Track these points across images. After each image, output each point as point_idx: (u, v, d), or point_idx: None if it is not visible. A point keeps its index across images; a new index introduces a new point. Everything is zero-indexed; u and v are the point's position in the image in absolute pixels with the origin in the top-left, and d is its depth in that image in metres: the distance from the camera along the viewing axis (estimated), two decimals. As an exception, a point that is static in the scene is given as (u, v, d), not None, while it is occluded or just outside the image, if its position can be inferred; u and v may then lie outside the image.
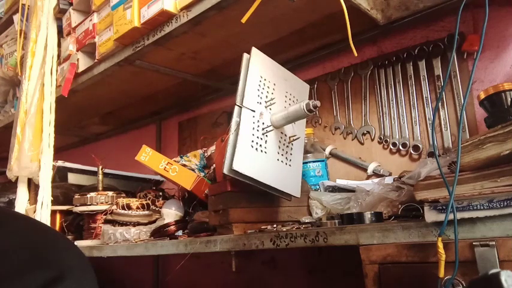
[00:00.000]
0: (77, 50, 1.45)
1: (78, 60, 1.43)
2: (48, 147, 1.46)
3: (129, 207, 1.23)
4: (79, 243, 1.30)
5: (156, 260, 1.84)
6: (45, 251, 0.47)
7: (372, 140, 1.22)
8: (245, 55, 0.93)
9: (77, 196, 1.35)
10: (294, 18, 1.14)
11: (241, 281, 1.50)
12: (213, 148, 1.31)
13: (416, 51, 1.14)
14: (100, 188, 1.39)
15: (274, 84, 0.97)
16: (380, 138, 1.21)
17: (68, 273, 0.45)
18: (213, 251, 0.90)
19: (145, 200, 1.29)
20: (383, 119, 1.20)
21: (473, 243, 0.56)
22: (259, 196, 0.94)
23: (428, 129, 1.12)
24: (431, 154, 1.10)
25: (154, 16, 1.11)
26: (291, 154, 0.96)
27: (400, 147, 1.16)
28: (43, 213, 1.38)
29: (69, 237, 1.40)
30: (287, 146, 0.95)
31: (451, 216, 0.57)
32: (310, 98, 1.05)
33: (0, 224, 0.49)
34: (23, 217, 0.64)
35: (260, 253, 1.42)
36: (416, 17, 1.12)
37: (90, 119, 2.01)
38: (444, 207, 0.59)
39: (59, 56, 1.55)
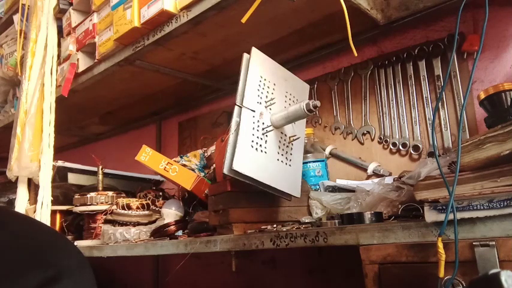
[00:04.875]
0: (77, 50, 1.45)
1: (78, 60, 1.43)
2: (48, 147, 1.46)
3: (129, 207, 1.23)
4: (79, 243, 1.30)
5: (156, 260, 1.84)
6: (43, 251, 0.47)
7: (372, 140, 1.22)
8: (245, 55, 0.93)
9: (77, 196, 1.35)
10: (294, 18, 1.14)
11: (241, 281, 1.50)
12: (213, 148, 1.31)
13: (416, 51, 1.14)
14: (100, 188, 1.39)
15: (274, 84, 0.97)
16: (380, 138, 1.20)
17: (66, 273, 0.45)
18: (213, 251, 0.90)
19: (145, 200, 1.29)
20: (383, 119, 1.20)
21: (473, 243, 0.56)
22: (259, 196, 0.94)
23: (428, 129, 1.12)
24: (431, 154, 1.10)
25: (154, 16, 1.11)
26: (291, 154, 0.96)
27: (400, 147, 1.16)
28: (43, 213, 1.38)
29: (69, 237, 1.40)
30: (287, 146, 0.95)
31: (451, 216, 0.57)
32: (310, 98, 1.04)
33: (0, 224, 0.49)
34: (22, 217, 0.64)
35: (260, 253, 1.42)
36: (416, 17, 1.12)
37: (90, 119, 2.01)
38: (444, 207, 0.59)
39: (59, 56, 1.55)
